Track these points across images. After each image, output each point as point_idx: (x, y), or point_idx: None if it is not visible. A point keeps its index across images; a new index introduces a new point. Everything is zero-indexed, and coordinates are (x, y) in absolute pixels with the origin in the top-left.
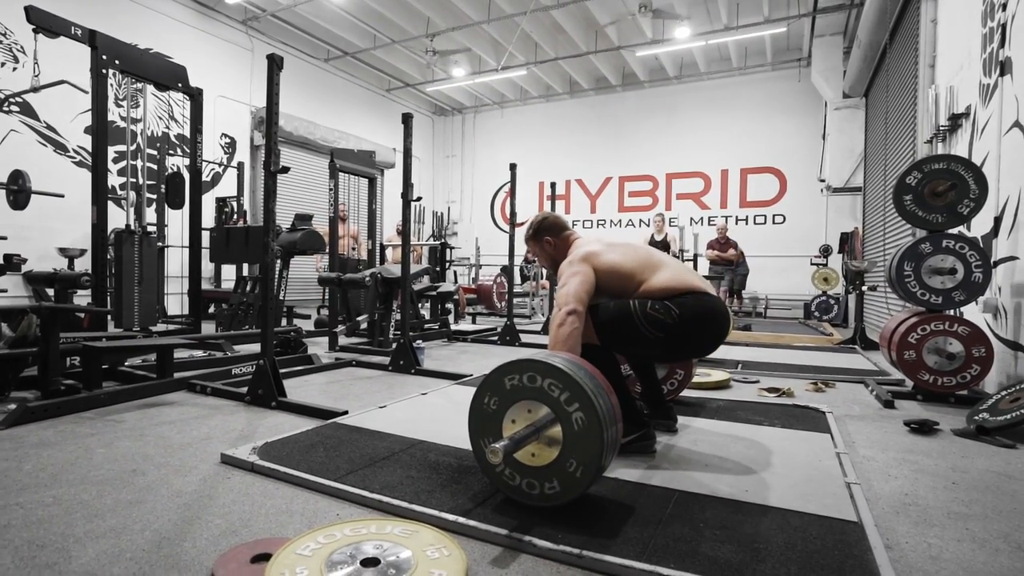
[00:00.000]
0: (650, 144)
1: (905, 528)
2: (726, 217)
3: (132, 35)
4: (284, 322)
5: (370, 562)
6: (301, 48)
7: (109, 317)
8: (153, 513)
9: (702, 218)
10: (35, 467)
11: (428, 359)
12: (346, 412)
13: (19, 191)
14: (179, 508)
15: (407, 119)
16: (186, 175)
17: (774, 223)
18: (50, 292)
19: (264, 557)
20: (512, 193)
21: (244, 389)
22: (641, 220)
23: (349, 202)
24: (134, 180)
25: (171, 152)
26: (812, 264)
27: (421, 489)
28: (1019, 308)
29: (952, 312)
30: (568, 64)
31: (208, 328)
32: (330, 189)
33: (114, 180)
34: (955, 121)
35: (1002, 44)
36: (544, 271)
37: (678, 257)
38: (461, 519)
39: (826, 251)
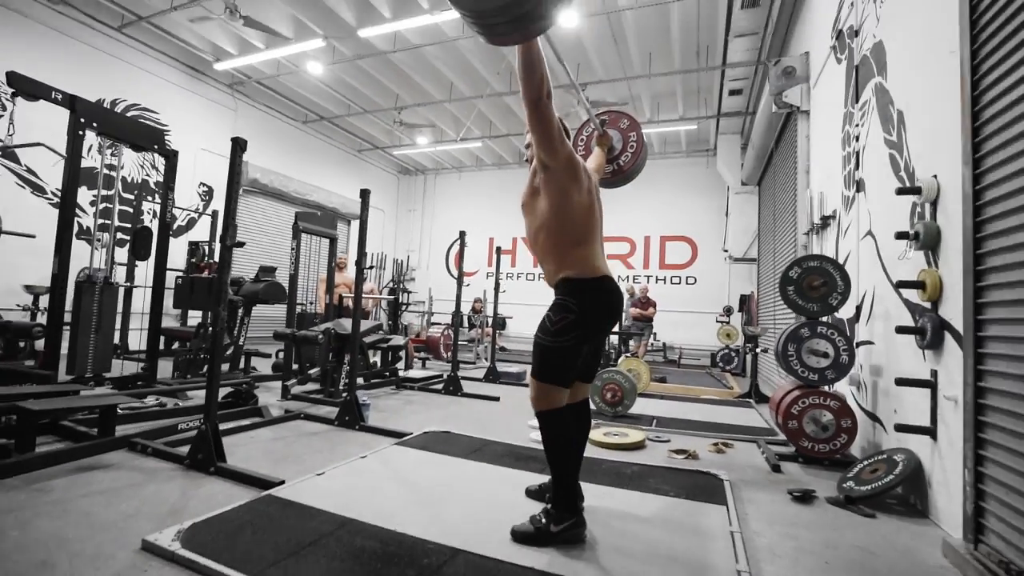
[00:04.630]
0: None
1: None
2: (648, 276)
3: (123, 92)
4: (243, 363)
5: None
6: (281, 111)
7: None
8: None
9: (627, 276)
10: None
11: (375, 411)
12: (282, 482)
13: None
14: None
15: (364, 194)
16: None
17: (687, 284)
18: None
19: None
20: (461, 255)
21: (187, 449)
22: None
23: (312, 260)
24: (107, 222)
25: (148, 198)
26: (717, 321)
27: None
28: (875, 385)
29: (825, 388)
30: (518, 139)
31: (166, 366)
32: (292, 248)
33: (90, 221)
34: (825, 221)
35: (857, 167)
36: (487, 323)
37: None
38: None
39: (728, 311)
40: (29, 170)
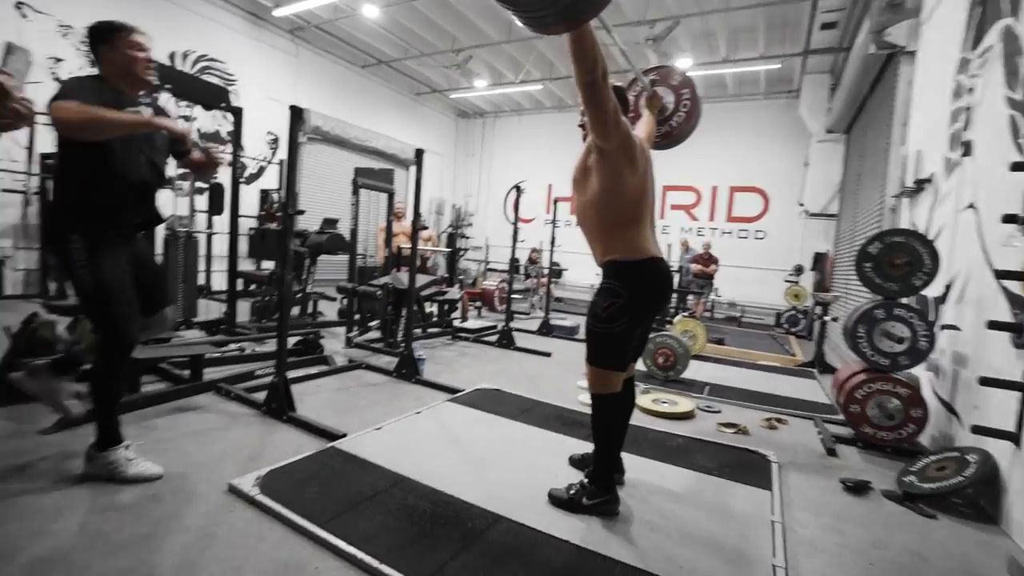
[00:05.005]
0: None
1: None
2: (713, 229)
3: (193, 43)
4: (312, 308)
5: None
6: (340, 55)
7: None
8: (160, 553)
9: (691, 228)
10: (73, 485)
11: (430, 362)
12: (345, 435)
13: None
14: (184, 548)
15: (419, 154)
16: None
17: (755, 238)
18: None
19: None
20: (516, 206)
21: (263, 395)
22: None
23: (371, 209)
24: (186, 171)
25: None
26: (786, 281)
27: (393, 544)
28: (956, 375)
29: (896, 374)
30: None
31: (245, 307)
32: (352, 204)
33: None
34: (919, 184)
35: (966, 126)
36: (542, 273)
37: None
38: None
39: (799, 270)
40: None
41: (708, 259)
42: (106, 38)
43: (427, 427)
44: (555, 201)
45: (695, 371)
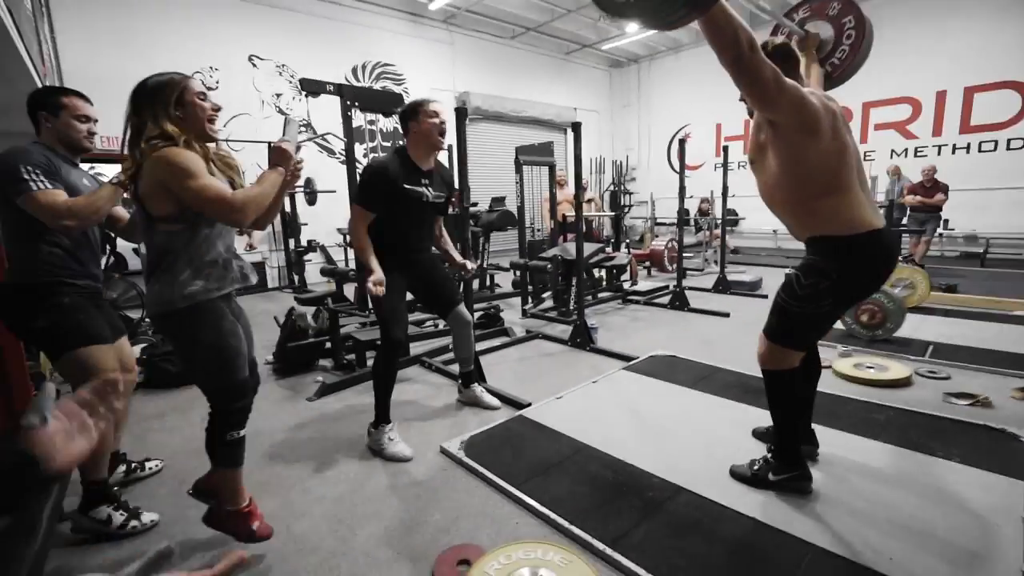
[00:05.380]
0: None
1: None
2: (939, 147)
3: (370, 54)
4: (489, 281)
5: None
6: (490, 32)
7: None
8: (401, 500)
9: (906, 149)
10: (334, 442)
11: (603, 329)
12: (530, 404)
13: (310, 192)
14: (415, 498)
15: (576, 127)
16: None
17: (1008, 149)
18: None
19: (464, 562)
20: (681, 159)
21: (457, 367)
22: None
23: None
24: None
25: (401, 142)
26: None
27: (580, 508)
28: None
29: None
30: None
31: None
32: (516, 182)
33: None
34: None
35: None
36: (716, 224)
37: None
38: (608, 550)
39: None
40: (323, 138)
41: (933, 187)
42: (412, 117)
43: (604, 396)
44: (724, 147)
45: (913, 328)
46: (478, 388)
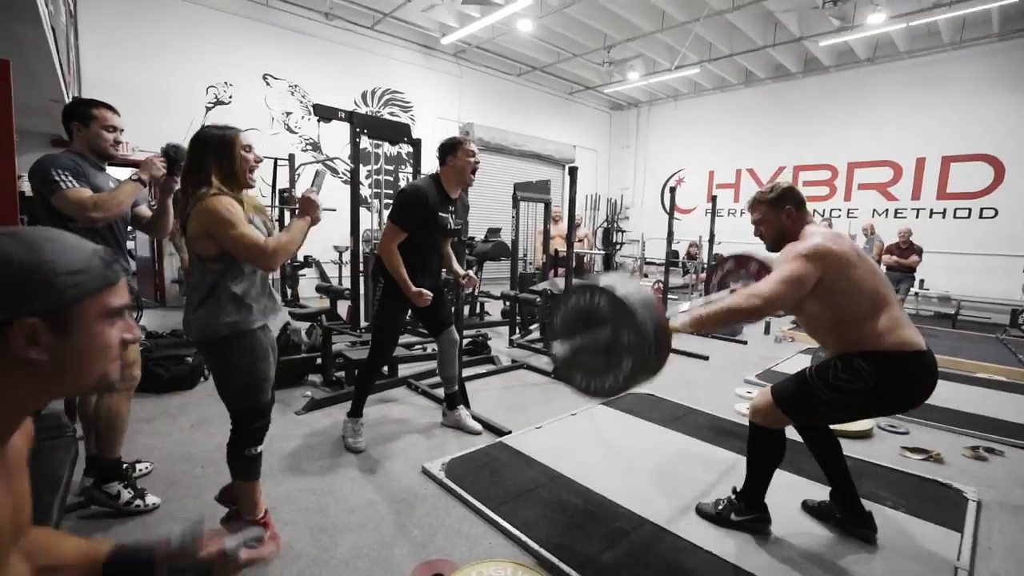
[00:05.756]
0: (831, 132)
1: None
2: (919, 210)
3: (379, 81)
4: (479, 309)
5: None
6: (498, 68)
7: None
8: (381, 515)
9: (887, 210)
10: (321, 455)
11: None
12: (510, 432)
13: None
14: (395, 514)
15: (573, 172)
16: None
17: (981, 217)
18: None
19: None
20: (671, 206)
21: (443, 391)
22: (815, 211)
23: (529, 216)
24: (377, 191)
25: (402, 167)
26: None
27: (550, 532)
28: None
29: None
30: (743, 58)
31: None
32: (513, 216)
33: (366, 191)
34: None
35: None
36: (704, 268)
37: None
38: (573, 573)
39: None
40: (328, 158)
41: (908, 248)
42: (451, 151)
43: (581, 429)
44: (713, 196)
45: None
46: (462, 411)
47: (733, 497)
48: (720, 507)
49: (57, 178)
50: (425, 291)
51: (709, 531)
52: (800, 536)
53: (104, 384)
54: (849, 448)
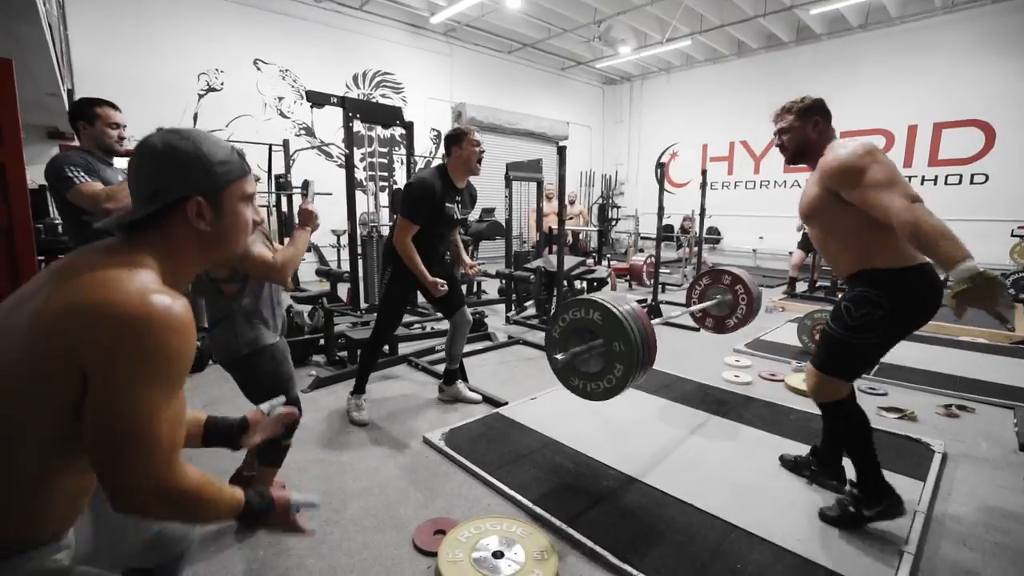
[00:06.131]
0: (824, 100)
1: None
2: (909, 177)
3: (369, 63)
4: (476, 287)
5: (498, 554)
6: (488, 46)
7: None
8: (386, 480)
9: None
10: (328, 429)
11: None
12: (507, 403)
13: (307, 194)
14: (399, 478)
15: (562, 151)
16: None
17: (971, 183)
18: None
19: (440, 531)
20: (661, 183)
21: (442, 367)
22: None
23: (523, 195)
24: (372, 173)
25: (396, 149)
26: (1013, 235)
27: (543, 492)
28: None
29: None
30: (735, 28)
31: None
32: (506, 196)
33: (361, 174)
34: None
35: None
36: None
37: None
38: (564, 526)
39: None
40: (323, 143)
41: None
42: (456, 142)
43: (574, 399)
44: (703, 170)
45: None
46: (460, 384)
47: (856, 491)
48: (846, 506)
49: (70, 174)
50: (440, 281)
51: (688, 483)
52: (776, 488)
53: (240, 255)
54: None
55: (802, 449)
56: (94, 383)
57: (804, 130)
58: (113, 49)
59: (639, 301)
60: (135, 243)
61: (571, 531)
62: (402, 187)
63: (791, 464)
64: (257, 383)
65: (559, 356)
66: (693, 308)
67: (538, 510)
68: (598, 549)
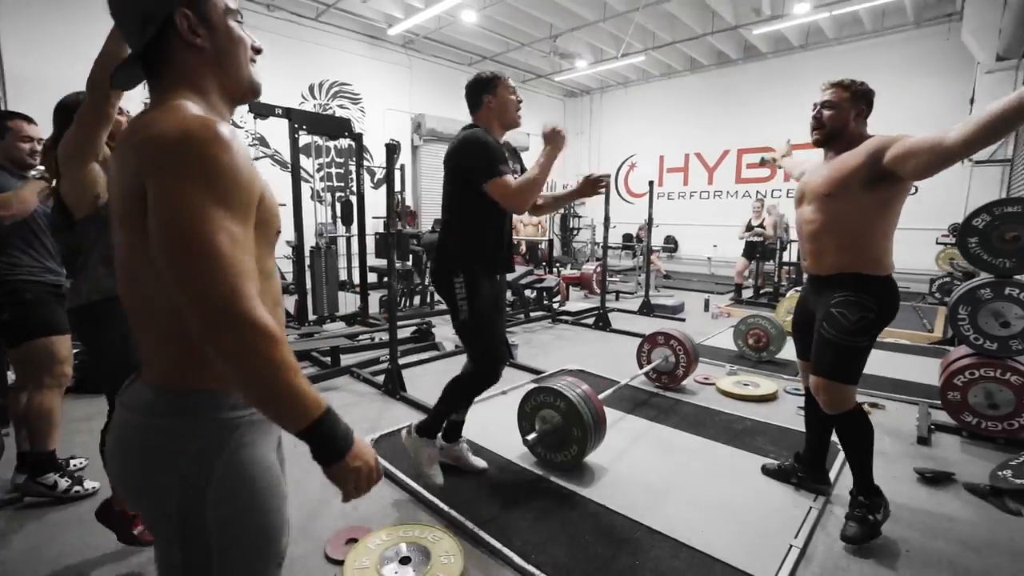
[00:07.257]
0: (770, 115)
1: None
2: None
3: (326, 73)
4: (429, 298)
5: (405, 560)
6: (447, 58)
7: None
8: (310, 491)
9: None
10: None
11: (527, 345)
12: None
13: None
14: (326, 486)
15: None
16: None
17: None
18: None
19: (353, 540)
20: (607, 199)
21: (383, 378)
22: (758, 191)
23: None
24: (329, 184)
25: (351, 160)
26: (938, 243)
27: (462, 498)
28: None
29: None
30: (686, 45)
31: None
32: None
33: (318, 184)
34: None
35: None
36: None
37: (773, 247)
38: (477, 529)
39: (955, 230)
40: (276, 151)
41: None
42: (487, 89)
43: (510, 405)
44: (650, 181)
45: (793, 353)
46: (464, 445)
47: (862, 498)
48: (861, 516)
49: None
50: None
51: (601, 487)
52: (683, 487)
53: (254, 88)
54: (754, 411)
55: (727, 451)
56: (150, 203)
57: (849, 113)
58: (50, 54)
59: (589, 309)
60: (163, 89)
61: (481, 533)
62: (454, 149)
63: (775, 472)
64: None
65: (530, 437)
66: (646, 369)
67: (454, 514)
68: (505, 550)
